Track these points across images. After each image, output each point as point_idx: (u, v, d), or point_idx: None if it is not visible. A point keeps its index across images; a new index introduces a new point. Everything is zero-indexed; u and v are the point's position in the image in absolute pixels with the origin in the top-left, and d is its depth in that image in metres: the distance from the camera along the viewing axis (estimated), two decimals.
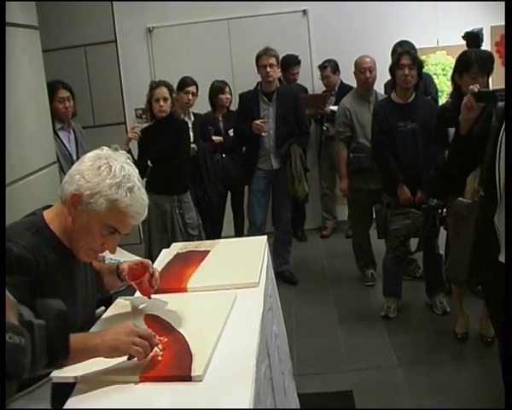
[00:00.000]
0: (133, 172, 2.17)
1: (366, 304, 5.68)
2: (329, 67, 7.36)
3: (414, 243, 5.11)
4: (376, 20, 7.65)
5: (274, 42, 6.31)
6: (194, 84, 6.28)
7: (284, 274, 6.28)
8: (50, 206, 2.21)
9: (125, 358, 1.90)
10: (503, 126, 2.95)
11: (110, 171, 2.09)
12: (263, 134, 5.89)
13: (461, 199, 3.27)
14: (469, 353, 4.58)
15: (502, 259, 2.97)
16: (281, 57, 6.62)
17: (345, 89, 6.68)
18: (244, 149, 6.34)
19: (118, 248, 2.93)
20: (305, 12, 7.87)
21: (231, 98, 6.80)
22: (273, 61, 5.83)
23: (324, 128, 7.28)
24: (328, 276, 6.49)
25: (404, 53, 5.09)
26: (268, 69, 5.80)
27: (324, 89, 7.59)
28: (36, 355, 1.45)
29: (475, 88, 2.94)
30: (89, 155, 2.16)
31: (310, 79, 7.89)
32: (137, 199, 2.15)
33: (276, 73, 5.94)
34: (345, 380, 4.39)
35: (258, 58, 5.91)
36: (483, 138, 3.00)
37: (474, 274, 3.21)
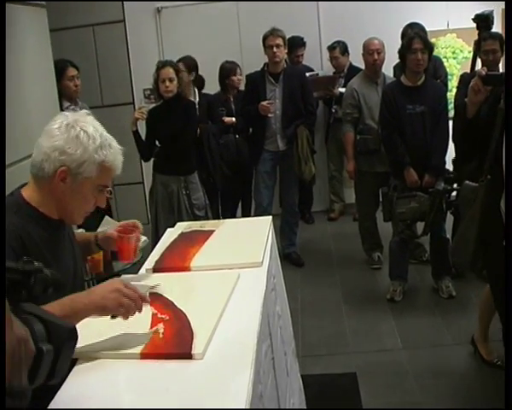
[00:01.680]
0: (100, 125, 2.21)
1: (372, 287, 5.69)
2: (338, 48, 7.32)
3: (421, 226, 5.11)
4: (386, 2, 7.58)
5: (283, 23, 6.28)
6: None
7: (291, 256, 6.29)
8: (26, 184, 2.20)
9: (123, 332, 1.92)
10: None
11: (89, 136, 2.09)
12: (269, 115, 5.87)
13: (467, 182, 3.25)
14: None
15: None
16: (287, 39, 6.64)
17: (354, 71, 6.64)
18: (251, 130, 6.32)
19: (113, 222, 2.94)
20: None
21: (242, 79, 6.76)
22: (280, 41, 5.80)
23: (333, 110, 7.25)
24: (335, 258, 6.50)
25: (416, 36, 5.05)
26: (275, 49, 5.78)
27: (333, 71, 7.55)
28: (37, 378, 1.41)
29: (483, 71, 2.93)
30: (55, 126, 2.10)
31: (319, 61, 7.84)
32: (117, 151, 2.20)
33: (283, 53, 5.91)
34: (349, 362, 4.41)
35: (264, 38, 5.88)
36: (490, 121, 2.99)
37: (479, 258, 3.21)
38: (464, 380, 4.03)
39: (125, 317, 1.90)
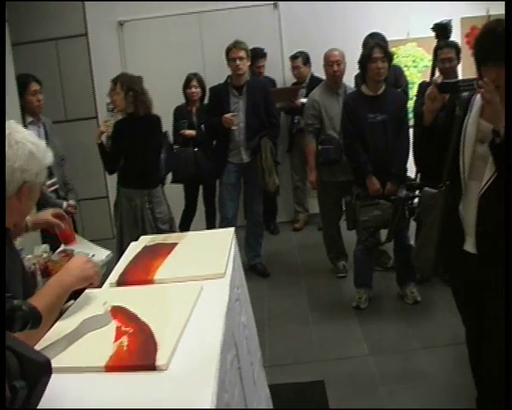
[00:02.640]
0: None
1: (338, 295, 5.74)
2: (300, 58, 7.41)
3: (384, 234, 5.17)
4: (347, 12, 7.71)
5: (245, 35, 6.32)
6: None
7: (256, 267, 6.32)
8: None
9: (87, 345, 1.95)
10: (467, 116, 3.00)
11: (35, 145, 2.12)
12: (233, 127, 5.89)
13: (427, 189, 3.31)
14: (440, 340, 4.62)
15: (467, 247, 3.03)
16: None
17: (315, 82, 6.70)
18: (215, 142, 6.33)
19: (79, 238, 2.97)
20: (275, 5, 7.90)
21: (199, 91, 6.77)
22: (243, 53, 5.84)
23: (295, 121, 7.31)
24: (301, 268, 6.54)
25: (376, 46, 5.15)
26: (238, 62, 5.82)
27: (295, 81, 7.61)
28: None
29: (438, 79, 2.99)
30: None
31: (280, 72, 7.92)
32: (44, 146, 2.22)
33: (246, 66, 5.96)
34: (316, 370, 4.43)
35: (227, 51, 5.91)
36: (448, 128, 3.05)
37: (441, 263, 3.26)
38: (432, 383, 4.07)
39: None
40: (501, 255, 2.93)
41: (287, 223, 8.07)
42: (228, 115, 5.83)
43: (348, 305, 5.41)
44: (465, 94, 3.05)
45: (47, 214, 2.86)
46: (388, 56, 5.09)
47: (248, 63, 6.02)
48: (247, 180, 6.21)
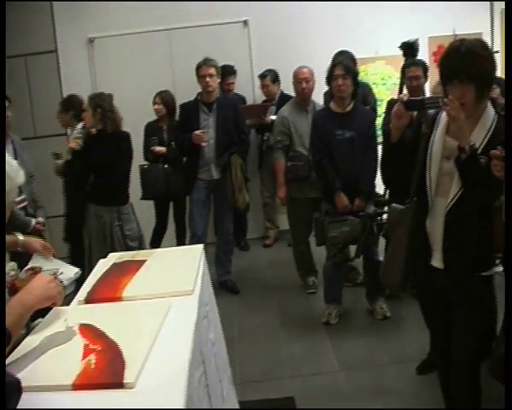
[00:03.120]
0: None
1: (308, 311, 5.74)
2: (269, 77, 7.44)
3: (353, 249, 5.19)
4: (317, 31, 7.75)
5: (215, 52, 6.34)
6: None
7: (226, 284, 6.31)
8: None
9: (54, 364, 1.93)
10: (434, 133, 3.04)
11: (9, 165, 2.13)
12: (203, 144, 5.89)
13: (394, 205, 3.34)
14: (410, 355, 4.63)
15: (434, 263, 3.06)
16: None
17: (285, 99, 6.72)
18: (185, 159, 6.33)
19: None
20: (245, 22, 7.91)
21: (161, 108, 6.75)
22: (213, 71, 5.86)
23: (265, 138, 7.34)
24: (271, 284, 6.53)
25: (338, 63, 5.21)
26: (207, 79, 5.84)
27: (265, 99, 7.65)
28: None
29: (404, 97, 3.03)
30: None
31: (250, 89, 7.95)
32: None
33: (216, 83, 5.98)
34: (287, 387, 4.43)
35: (197, 68, 5.93)
36: (414, 145, 3.09)
37: (409, 278, 3.29)
38: (402, 398, 4.08)
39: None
40: (467, 269, 2.99)
41: (257, 239, 8.07)
42: (197, 132, 5.83)
43: (318, 321, 5.42)
44: (431, 111, 3.09)
45: (37, 243, 3.03)
46: (351, 73, 5.13)
47: (218, 80, 6.05)
48: (216, 197, 6.20)
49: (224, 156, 5.96)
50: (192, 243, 5.97)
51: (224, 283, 6.30)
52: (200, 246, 3.24)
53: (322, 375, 4.58)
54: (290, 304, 5.92)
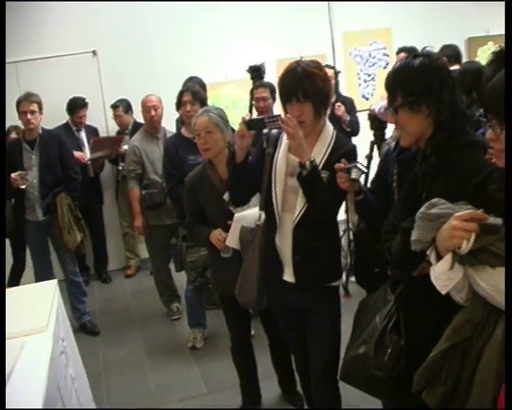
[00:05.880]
0: None
1: (173, 337, 5.76)
2: (121, 107, 7.41)
3: None
4: (167, 57, 7.82)
5: (64, 84, 6.24)
6: None
7: (85, 326, 6.04)
8: None
9: None
10: (278, 151, 3.16)
11: None
12: (21, 187, 5.57)
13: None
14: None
15: (286, 277, 3.16)
16: (68, 100, 6.58)
17: (138, 127, 6.71)
18: (13, 200, 5.88)
19: None
20: (94, 52, 7.81)
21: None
22: (34, 107, 5.57)
23: (120, 168, 7.28)
24: (135, 315, 6.48)
25: (186, 90, 5.31)
26: (29, 116, 5.54)
27: (118, 129, 7.61)
28: None
29: (246, 117, 3.11)
30: None
31: (103, 120, 7.86)
32: None
33: (38, 119, 5.65)
34: None
35: (18, 104, 5.62)
36: (259, 165, 3.19)
37: (264, 295, 3.38)
38: None
39: None
40: (316, 281, 3.12)
41: (118, 270, 7.98)
42: (13, 175, 5.50)
43: (184, 346, 5.45)
44: (275, 131, 3.20)
45: None
46: (199, 99, 5.21)
47: (41, 116, 5.71)
48: (51, 239, 5.92)
49: (49, 197, 5.69)
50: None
51: (83, 325, 6.03)
52: (54, 281, 3.19)
53: (191, 399, 4.61)
54: (155, 332, 5.90)
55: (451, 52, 5.96)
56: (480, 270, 1.87)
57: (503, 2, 2.53)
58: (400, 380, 2.43)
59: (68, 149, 6.01)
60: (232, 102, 8.14)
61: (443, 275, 1.92)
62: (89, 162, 7.19)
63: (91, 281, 7.52)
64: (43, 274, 5.68)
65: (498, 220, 1.84)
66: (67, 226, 5.69)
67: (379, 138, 5.44)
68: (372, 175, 3.31)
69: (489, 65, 2.17)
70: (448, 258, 1.89)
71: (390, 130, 4.71)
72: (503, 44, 2.07)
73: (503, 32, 2.36)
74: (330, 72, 6.05)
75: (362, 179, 2.97)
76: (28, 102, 5.56)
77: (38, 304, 2.81)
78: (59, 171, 5.74)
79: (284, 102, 3.06)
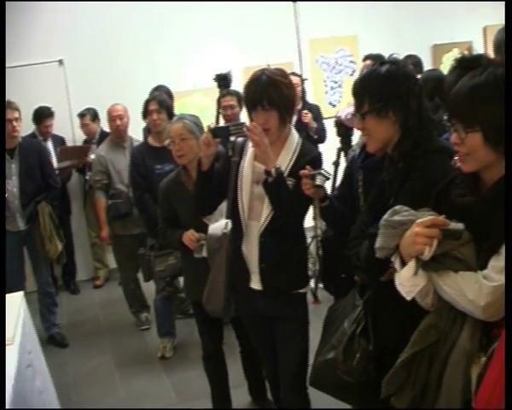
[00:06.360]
0: None
1: (143, 348, 5.74)
2: (88, 115, 7.38)
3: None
4: (135, 67, 7.82)
5: (30, 94, 6.16)
6: None
7: (54, 337, 5.96)
8: None
9: None
10: (243, 159, 3.16)
11: None
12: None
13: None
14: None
15: (253, 285, 3.17)
16: (33, 110, 6.50)
17: (105, 137, 6.67)
18: None
19: None
20: (61, 62, 7.77)
21: None
22: (17, 114, 5.51)
23: (87, 177, 7.23)
24: (104, 325, 6.44)
25: (152, 99, 5.33)
26: (14, 123, 5.47)
27: (85, 138, 7.57)
28: None
29: (211, 125, 3.12)
30: None
31: (70, 129, 7.80)
32: None
33: (20, 127, 5.62)
34: None
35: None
36: (226, 172, 3.19)
37: (231, 303, 3.38)
38: None
39: None
40: (283, 288, 3.14)
41: (87, 281, 7.93)
42: None
43: (154, 356, 5.43)
44: (240, 139, 3.21)
45: None
46: (165, 108, 5.22)
47: (20, 124, 5.65)
48: (29, 249, 5.84)
49: (30, 206, 5.62)
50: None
51: (51, 336, 5.95)
52: (20, 293, 3.16)
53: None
54: (125, 343, 5.87)
55: (413, 61, 6.03)
56: (444, 275, 1.90)
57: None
58: (369, 385, 2.44)
59: (47, 157, 5.99)
60: (200, 110, 8.10)
61: (407, 281, 1.94)
62: (56, 172, 7.12)
63: (60, 292, 7.40)
64: (15, 285, 5.56)
65: (460, 225, 1.87)
66: (49, 235, 5.64)
67: (346, 145, 5.48)
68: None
69: (452, 71, 2.21)
70: (412, 264, 1.92)
71: (356, 136, 4.74)
72: (466, 51, 2.11)
73: (467, 39, 2.41)
74: (296, 79, 6.12)
75: (328, 186, 3.00)
76: (12, 109, 5.48)
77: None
78: (39, 179, 5.69)
79: (250, 110, 3.07)
